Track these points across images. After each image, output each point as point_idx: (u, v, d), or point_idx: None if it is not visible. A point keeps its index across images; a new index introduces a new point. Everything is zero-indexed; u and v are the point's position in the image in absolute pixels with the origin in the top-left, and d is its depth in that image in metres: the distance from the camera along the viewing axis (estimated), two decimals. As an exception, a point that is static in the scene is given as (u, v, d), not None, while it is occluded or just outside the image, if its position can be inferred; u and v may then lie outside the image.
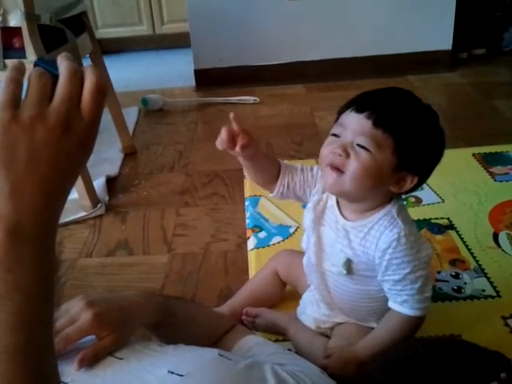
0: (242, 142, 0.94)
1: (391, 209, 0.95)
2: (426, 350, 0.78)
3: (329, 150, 0.92)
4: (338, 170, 0.90)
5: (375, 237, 0.94)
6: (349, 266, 0.98)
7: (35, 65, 0.50)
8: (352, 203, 0.97)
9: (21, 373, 0.43)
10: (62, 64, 0.49)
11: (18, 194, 0.45)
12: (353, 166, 0.89)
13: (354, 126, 0.90)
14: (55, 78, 0.48)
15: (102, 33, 3.38)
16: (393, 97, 0.95)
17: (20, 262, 0.44)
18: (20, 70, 0.48)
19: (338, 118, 0.95)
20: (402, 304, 0.96)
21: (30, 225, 0.45)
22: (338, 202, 1.00)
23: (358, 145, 0.90)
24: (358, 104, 0.92)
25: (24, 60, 1.53)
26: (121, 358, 0.74)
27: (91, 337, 0.76)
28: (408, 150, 0.91)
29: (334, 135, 0.93)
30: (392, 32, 2.80)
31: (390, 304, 0.98)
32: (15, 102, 0.46)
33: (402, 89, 0.97)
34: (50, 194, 0.46)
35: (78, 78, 0.48)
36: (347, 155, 0.89)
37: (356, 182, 0.90)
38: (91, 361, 0.72)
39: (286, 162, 1.07)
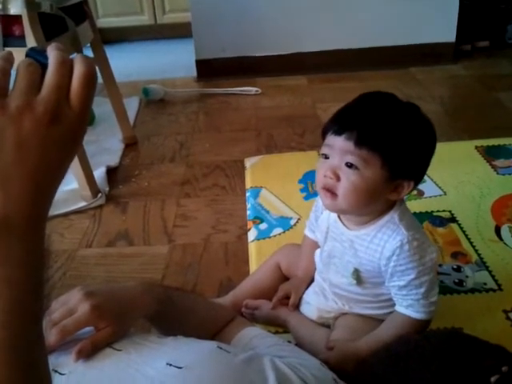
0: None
1: (393, 215, 0.96)
2: (428, 343, 0.77)
3: (321, 173, 0.94)
4: (332, 192, 0.92)
5: (379, 245, 0.96)
6: (357, 275, 1.01)
7: (27, 55, 0.49)
8: (353, 216, 0.99)
9: (11, 368, 0.42)
10: (51, 54, 0.48)
11: (6, 186, 0.44)
12: (344, 187, 0.91)
13: (339, 147, 0.91)
14: (45, 67, 0.47)
15: (103, 22, 3.37)
16: (370, 108, 0.93)
17: (9, 256, 0.43)
18: (8, 60, 0.47)
19: (324, 137, 0.96)
20: (407, 308, 0.98)
21: (19, 217, 0.44)
22: (339, 216, 1.03)
23: (346, 163, 0.90)
24: (336, 125, 0.92)
25: (23, 48, 1.52)
26: (119, 350, 0.73)
27: (89, 328, 0.75)
28: (397, 161, 0.91)
29: (324, 156, 0.94)
30: (395, 23, 2.78)
31: (397, 307, 1.00)
32: (3, 91, 0.45)
33: (378, 93, 0.96)
34: (39, 185, 0.45)
35: (66, 67, 0.47)
36: (337, 178, 0.91)
37: (350, 201, 0.92)
38: (89, 352, 0.72)
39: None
